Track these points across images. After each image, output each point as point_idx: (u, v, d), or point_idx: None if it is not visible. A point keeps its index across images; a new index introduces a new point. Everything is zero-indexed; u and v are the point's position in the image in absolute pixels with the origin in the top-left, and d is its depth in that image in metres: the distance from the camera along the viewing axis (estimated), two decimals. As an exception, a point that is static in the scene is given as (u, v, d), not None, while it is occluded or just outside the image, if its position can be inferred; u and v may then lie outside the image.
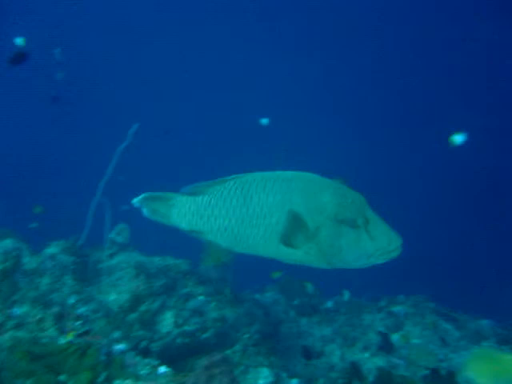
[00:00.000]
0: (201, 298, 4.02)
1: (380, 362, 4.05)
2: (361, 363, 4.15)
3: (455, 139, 4.26)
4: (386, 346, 4.69)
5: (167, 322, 3.85)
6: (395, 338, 5.15)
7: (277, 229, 1.83)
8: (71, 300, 3.68)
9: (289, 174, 1.89)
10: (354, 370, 3.35)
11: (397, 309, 5.66)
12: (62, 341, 2.89)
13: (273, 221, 1.83)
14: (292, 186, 1.84)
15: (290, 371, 4.00)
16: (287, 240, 1.79)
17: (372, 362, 4.01)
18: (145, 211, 2.03)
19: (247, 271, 6.59)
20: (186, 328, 3.74)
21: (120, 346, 2.97)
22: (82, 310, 3.53)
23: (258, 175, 1.90)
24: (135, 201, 2.01)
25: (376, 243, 1.82)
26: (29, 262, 3.72)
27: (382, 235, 1.84)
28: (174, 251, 4.83)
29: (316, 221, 1.80)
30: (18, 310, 3.08)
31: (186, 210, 2.00)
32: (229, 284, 4.18)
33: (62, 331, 3.10)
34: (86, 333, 3.08)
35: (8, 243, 3.61)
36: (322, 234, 1.80)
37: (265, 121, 7.55)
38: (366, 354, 4.35)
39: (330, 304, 5.48)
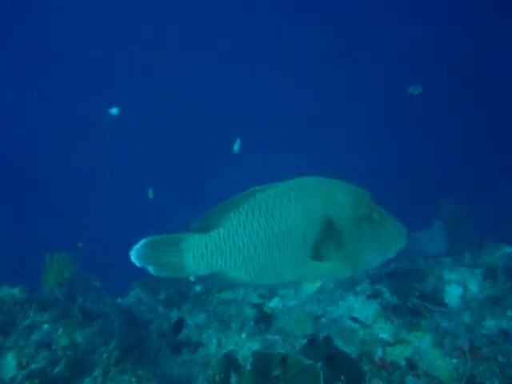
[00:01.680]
0: (46, 326, 3.64)
1: (256, 344, 4.04)
2: (237, 349, 4.14)
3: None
4: (262, 319, 4.74)
5: (9, 365, 3.43)
6: (272, 305, 5.25)
7: (304, 244, 1.77)
8: None
9: (297, 181, 1.82)
10: (229, 363, 3.30)
11: (268, 274, 5.75)
12: None
13: (299, 235, 1.76)
14: (308, 192, 1.79)
15: (166, 376, 3.85)
16: (317, 252, 1.75)
17: (248, 346, 3.99)
18: (151, 269, 1.81)
19: (108, 274, 6.24)
20: (34, 366, 3.36)
21: None
22: None
23: (269, 190, 1.78)
24: (134, 258, 1.76)
25: (391, 236, 1.85)
26: None
27: (393, 227, 1.87)
28: (9, 278, 4.32)
29: (338, 223, 1.78)
30: None
31: (202, 251, 1.78)
32: (77, 302, 3.83)
33: None
34: None
35: None
36: (345, 236, 1.78)
37: (114, 111, 7.05)
38: (243, 335, 4.35)
39: (198, 288, 5.38)
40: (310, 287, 1.94)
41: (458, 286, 6.00)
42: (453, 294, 5.98)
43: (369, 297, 5.54)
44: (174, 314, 5.06)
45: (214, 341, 4.57)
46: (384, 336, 4.16)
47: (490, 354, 3.51)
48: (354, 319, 4.67)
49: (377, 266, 1.94)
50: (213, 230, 1.79)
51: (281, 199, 1.75)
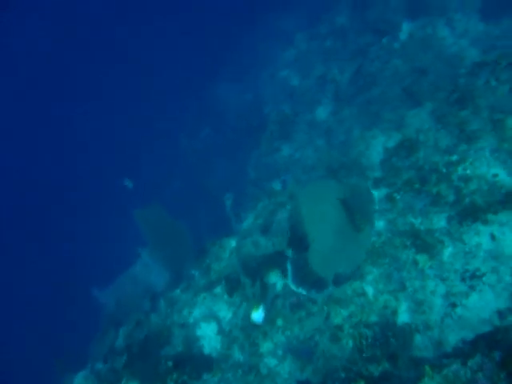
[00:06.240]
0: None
1: None
2: None
3: None
4: None
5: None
6: None
7: (347, 225, 3.58)
8: None
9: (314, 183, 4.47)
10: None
11: None
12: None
13: (344, 219, 3.60)
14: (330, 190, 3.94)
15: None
16: (357, 224, 3.26)
17: None
18: None
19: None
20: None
21: None
22: None
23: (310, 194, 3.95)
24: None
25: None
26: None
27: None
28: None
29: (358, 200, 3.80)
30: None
31: None
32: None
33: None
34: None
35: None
36: (361, 207, 3.83)
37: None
38: None
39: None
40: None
41: (208, 323, 5.26)
42: (208, 334, 5.19)
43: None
44: None
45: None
46: None
47: None
48: None
49: None
50: None
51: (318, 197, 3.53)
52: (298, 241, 4.13)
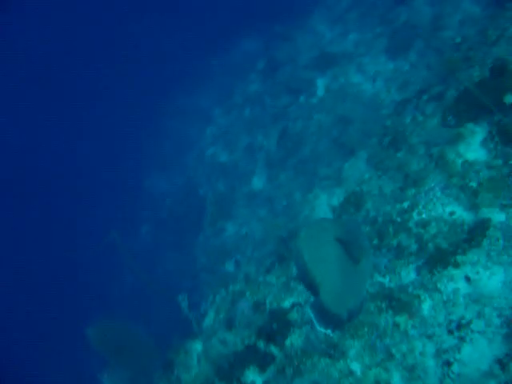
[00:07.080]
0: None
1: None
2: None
3: None
4: None
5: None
6: None
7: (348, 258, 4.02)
8: None
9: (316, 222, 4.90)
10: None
11: None
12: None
13: (343, 254, 4.09)
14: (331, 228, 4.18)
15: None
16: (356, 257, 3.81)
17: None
18: None
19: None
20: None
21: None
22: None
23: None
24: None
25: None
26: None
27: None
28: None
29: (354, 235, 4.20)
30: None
31: None
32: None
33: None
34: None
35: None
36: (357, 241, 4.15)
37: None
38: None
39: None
40: None
41: None
42: None
43: None
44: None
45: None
46: None
47: None
48: None
49: None
50: None
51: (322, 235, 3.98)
52: (309, 286, 4.10)
